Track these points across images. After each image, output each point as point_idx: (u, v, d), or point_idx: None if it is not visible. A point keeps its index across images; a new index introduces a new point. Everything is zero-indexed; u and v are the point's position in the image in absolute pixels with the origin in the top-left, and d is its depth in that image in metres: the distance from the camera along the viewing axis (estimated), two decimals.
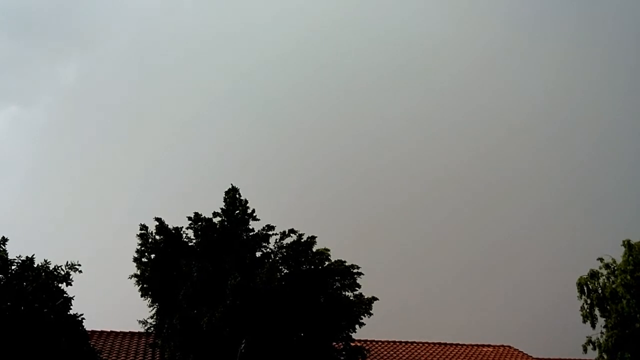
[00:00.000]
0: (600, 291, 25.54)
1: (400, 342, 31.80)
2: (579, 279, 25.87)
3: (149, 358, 25.41)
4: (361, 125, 54.97)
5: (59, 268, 19.14)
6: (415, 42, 54.80)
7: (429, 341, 32.46)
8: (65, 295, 19.05)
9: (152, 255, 24.28)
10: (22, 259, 19.00)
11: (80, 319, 19.20)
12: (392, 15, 56.65)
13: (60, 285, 19.06)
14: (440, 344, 32.40)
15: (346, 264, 24.47)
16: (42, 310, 18.48)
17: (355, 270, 24.43)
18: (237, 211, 24.67)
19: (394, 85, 55.50)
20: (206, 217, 24.65)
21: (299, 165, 52.28)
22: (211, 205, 25.03)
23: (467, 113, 54.88)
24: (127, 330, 27.52)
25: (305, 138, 52.63)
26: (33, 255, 19.13)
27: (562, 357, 34.89)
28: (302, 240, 24.50)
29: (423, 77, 55.79)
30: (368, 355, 25.50)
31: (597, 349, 25.04)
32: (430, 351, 31.34)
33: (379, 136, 54.55)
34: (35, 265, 19.01)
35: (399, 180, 52.78)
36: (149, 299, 24.08)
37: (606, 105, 55.11)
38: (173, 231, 24.45)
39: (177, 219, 24.80)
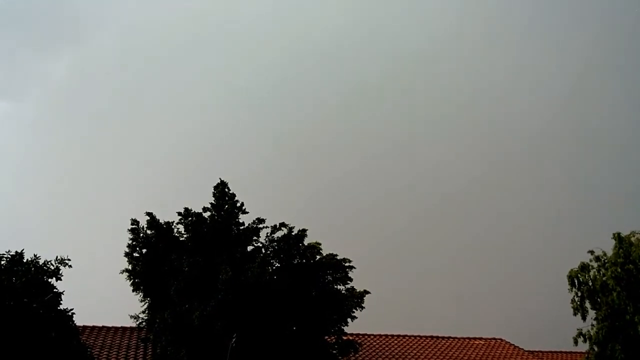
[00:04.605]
0: (590, 284, 25.57)
1: (392, 336, 31.86)
2: (570, 272, 25.88)
3: (141, 353, 25.34)
4: (347, 117, 55.11)
5: (49, 263, 19.09)
6: (413, 42, 54.79)
7: (421, 334, 32.55)
8: (55, 290, 19.01)
9: (144, 250, 24.23)
10: (11, 253, 18.94)
11: (70, 313, 19.15)
12: (389, 15, 56.55)
13: (50, 280, 19.00)
14: (432, 337, 32.51)
15: (337, 257, 24.46)
16: (32, 305, 18.41)
17: (346, 264, 24.42)
18: (227, 205, 24.62)
19: (381, 82, 55.56)
20: (196, 212, 24.58)
21: (288, 159, 52.29)
22: (201, 200, 25.03)
23: (456, 107, 54.99)
24: (119, 326, 27.48)
25: (294, 132, 52.56)
26: (22, 250, 19.17)
27: (553, 350, 35.12)
28: (293, 234, 24.48)
29: (413, 73, 55.84)
30: (360, 348, 25.55)
31: (587, 341, 25.09)
32: (422, 344, 31.41)
33: (366, 128, 54.63)
34: (24, 260, 18.94)
35: (389, 173, 52.82)
36: (140, 293, 24.04)
37: (597, 100, 55.39)
38: (164, 226, 24.39)
39: (168, 214, 24.78)
